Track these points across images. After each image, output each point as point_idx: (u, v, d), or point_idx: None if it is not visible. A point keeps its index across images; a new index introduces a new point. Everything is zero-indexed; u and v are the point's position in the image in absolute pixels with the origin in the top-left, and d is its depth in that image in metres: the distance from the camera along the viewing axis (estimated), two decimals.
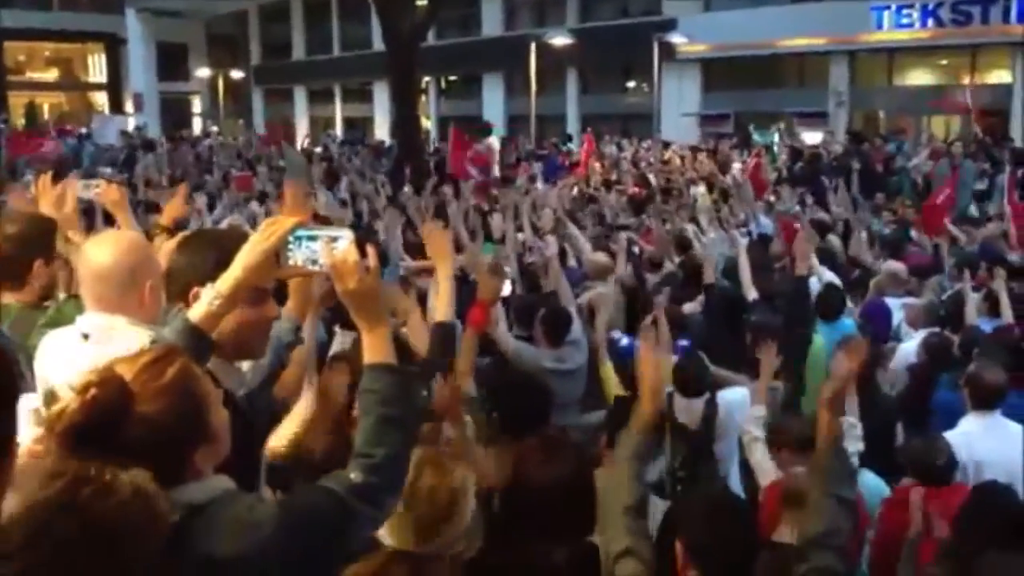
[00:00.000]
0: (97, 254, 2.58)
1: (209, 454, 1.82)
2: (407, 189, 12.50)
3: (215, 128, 32.17)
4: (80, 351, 2.36)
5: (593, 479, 2.92)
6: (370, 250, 2.08)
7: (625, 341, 5.73)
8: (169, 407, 1.72)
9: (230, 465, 1.92)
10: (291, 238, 2.10)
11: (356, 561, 2.21)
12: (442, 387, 3.04)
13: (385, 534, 2.23)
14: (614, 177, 14.53)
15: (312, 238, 2.09)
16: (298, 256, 2.11)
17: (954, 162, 14.06)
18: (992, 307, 6.27)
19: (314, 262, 2.09)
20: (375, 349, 2.08)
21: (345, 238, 2.07)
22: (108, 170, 15.86)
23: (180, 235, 3.39)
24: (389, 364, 2.07)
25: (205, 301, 2.12)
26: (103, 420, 1.65)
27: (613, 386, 5.07)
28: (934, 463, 4.06)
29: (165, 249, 3.10)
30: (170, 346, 1.92)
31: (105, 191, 3.93)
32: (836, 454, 2.81)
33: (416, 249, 7.16)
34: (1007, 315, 6.13)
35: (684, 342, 5.58)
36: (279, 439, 2.90)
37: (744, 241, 7.88)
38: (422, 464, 2.26)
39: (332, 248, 2.05)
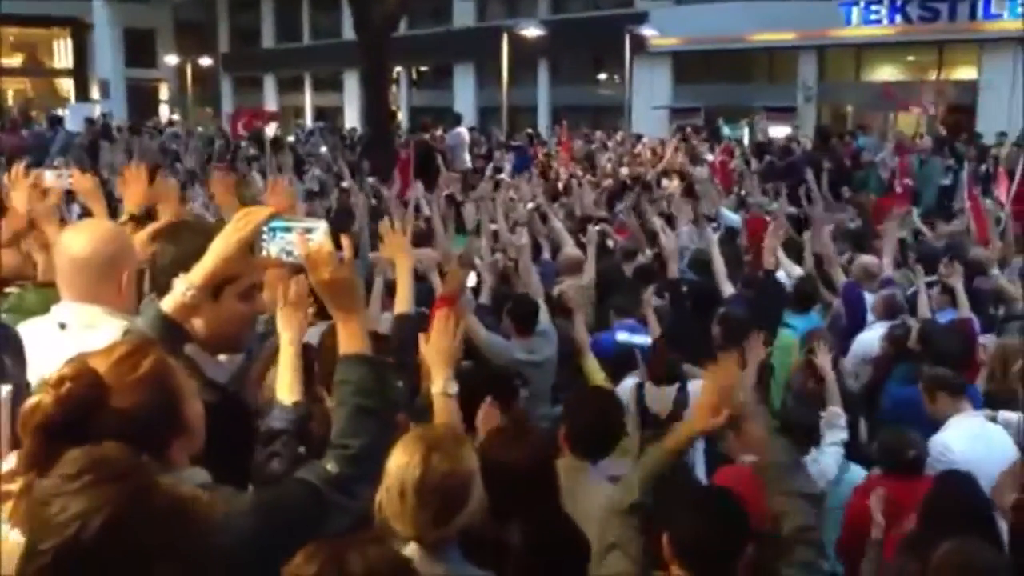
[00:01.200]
0: (76, 244, 2.56)
1: (184, 446, 1.82)
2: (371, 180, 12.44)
3: (176, 116, 31.79)
4: (58, 342, 2.34)
5: (553, 465, 2.95)
6: (345, 241, 2.09)
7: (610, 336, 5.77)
8: (144, 400, 1.72)
9: (223, 456, 1.92)
10: (265, 229, 2.09)
11: None
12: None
13: (397, 522, 2.21)
14: (580, 172, 14.51)
15: (287, 229, 2.09)
16: (272, 247, 2.10)
17: (922, 157, 14.25)
18: (952, 300, 6.37)
19: (288, 253, 2.09)
20: (350, 340, 2.09)
21: (320, 229, 2.07)
22: (60, 159, 15.59)
23: (154, 225, 3.37)
24: (364, 355, 2.08)
25: (178, 292, 2.11)
26: (78, 414, 1.65)
27: (600, 380, 5.09)
28: (905, 455, 4.12)
29: (138, 239, 3.08)
30: (145, 338, 1.92)
31: (77, 180, 3.89)
32: (777, 452, 2.77)
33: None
34: (964, 308, 6.23)
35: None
36: None
37: (715, 236, 7.93)
38: (429, 452, 2.23)
39: (307, 239, 2.05)
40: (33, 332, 2.50)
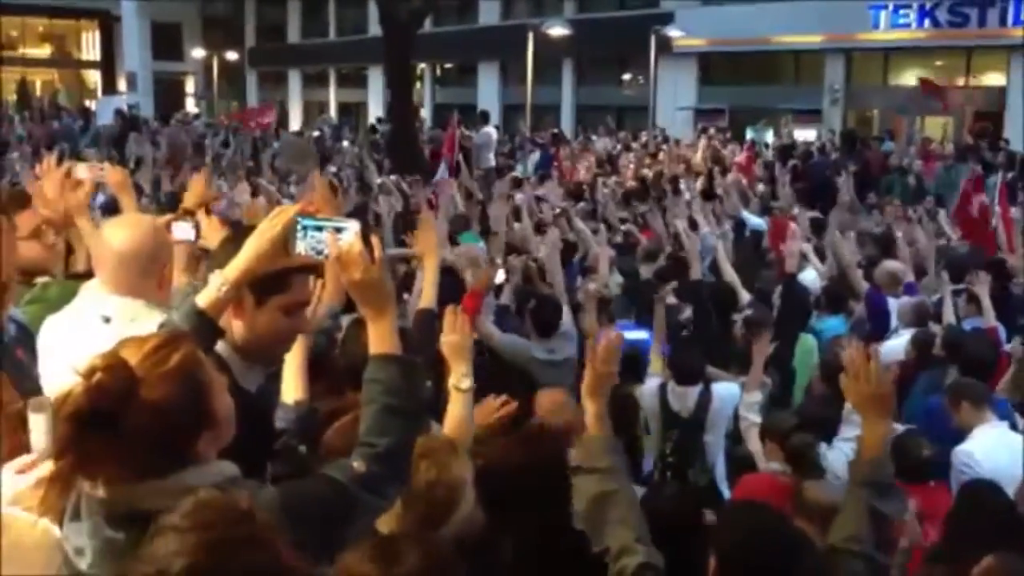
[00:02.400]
0: (119, 238, 2.61)
1: (212, 440, 1.83)
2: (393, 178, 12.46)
3: (197, 110, 31.95)
4: (103, 335, 2.36)
5: (564, 467, 2.93)
6: (375, 241, 2.10)
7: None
8: (173, 392, 1.73)
9: (240, 460, 1.92)
10: (297, 227, 2.10)
11: None
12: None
13: (386, 529, 2.21)
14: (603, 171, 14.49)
15: (318, 228, 2.10)
16: (303, 246, 2.11)
17: (946, 164, 14.12)
18: (977, 308, 6.33)
19: (319, 252, 2.10)
20: (380, 339, 2.10)
21: (350, 229, 2.08)
22: (91, 150, 15.74)
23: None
24: (394, 355, 2.09)
25: (213, 287, 2.12)
26: (108, 404, 1.66)
27: None
28: (919, 457, 4.09)
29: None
30: (176, 332, 1.93)
31: (109, 173, 3.91)
32: (877, 465, 2.65)
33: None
34: (989, 316, 6.18)
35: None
36: None
37: (720, 244, 7.82)
38: (419, 458, 2.23)
39: (337, 239, 2.06)
40: (78, 325, 2.53)
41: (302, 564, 1.57)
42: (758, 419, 4.46)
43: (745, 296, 6.54)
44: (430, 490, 2.23)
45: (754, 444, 4.41)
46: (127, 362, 1.71)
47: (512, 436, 3.01)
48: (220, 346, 2.24)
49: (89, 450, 1.66)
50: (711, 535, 2.58)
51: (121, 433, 1.67)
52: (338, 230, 2.08)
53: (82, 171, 3.64)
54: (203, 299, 2.13)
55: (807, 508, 3.34)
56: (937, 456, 4.20)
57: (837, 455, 4.33)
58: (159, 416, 1.70)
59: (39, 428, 1.90)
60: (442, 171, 13.08)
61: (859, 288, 6.86)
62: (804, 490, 3.62)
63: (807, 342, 5.87)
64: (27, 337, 2.64)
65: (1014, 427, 4.72)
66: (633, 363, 5.17)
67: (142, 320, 2.42)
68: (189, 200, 3.65)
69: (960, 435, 4.51)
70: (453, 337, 2.90)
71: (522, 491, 2.50)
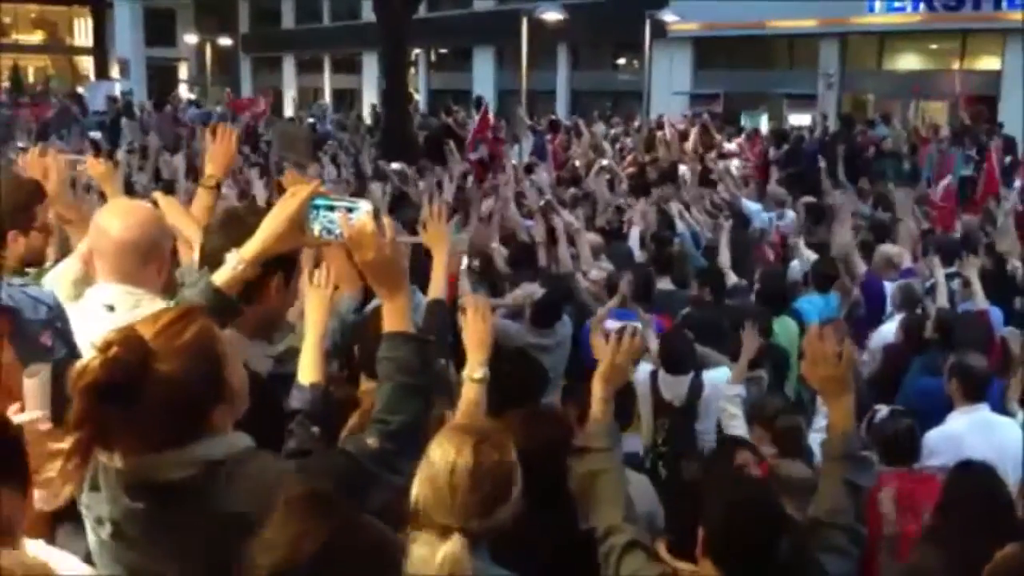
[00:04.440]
0: (118, 226, 2.60)
1: (227, 412, 1.86)
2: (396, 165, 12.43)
3: (192, 96, 31.82)
4: (109, 323, 2.38)
5: (565, 450, 2.96)
6: (386, 221, 2.13)
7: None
8: (188, 365, 1.76)
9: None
10: (310, 207, 2.12)
11: None
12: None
13: (441, 514, 2.20)
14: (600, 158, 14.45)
15: (330, 208, 2.13)
16: (316, 225, 2.14)
17: (941, 147, 14.12)
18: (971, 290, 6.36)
19: (330, 232, 2.12)
20: (394, 317, 2.13)
21: (362, 209, 2.11)
22: (98, 134, 15.69)
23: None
24: (408, 333, 2.12)
25: (230, 265, 2.17)
26: (124, 378, 1.70)
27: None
28: (899, 437, 4.11)
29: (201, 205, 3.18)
30: (190, 306, 1.96)
31: (90, 165, 3.89)
32: (847, 439, 2.70)
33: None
34: (980, 299, 6.21)
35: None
36: None
37: (727, 224, 7.92)
38: (480, 442, 2.24)
39: (349, 219, 2.08)
40: (83, 314, 2.54)
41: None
42: (738, 411, 4.48)
43: (733, 278, 6.61)
44: (494, 471, 2.23)
45: (732, 433, 4.44)
46: (142, 336, 1.75)
47: (514, 415, 3.02)
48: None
49: (106, 422, 1.70)
50: (700, 509, 2.60)
51: (137, 405, 1.71)
52: (350, 210, 2.10)
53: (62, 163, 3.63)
54: (220, 277, 2.18)
55: (782, 484, 3.39)
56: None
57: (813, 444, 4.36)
58: (175, 388, 1.74)
59: (32, 394, 1.95)
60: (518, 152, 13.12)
61: (857, 272, 6.87)
62: (778, 467, 3.68)
63: (790, 325, 5.88)
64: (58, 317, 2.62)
65: (1005, 412, 4.74)
66: None
67: (145, 308, 2.43)
68: (215, 167, 3.51)
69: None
70: (477, 327, 2.92)
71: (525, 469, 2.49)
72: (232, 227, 2.42)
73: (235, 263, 2.17)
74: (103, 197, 4.26)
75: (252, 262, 2.17)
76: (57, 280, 2.95)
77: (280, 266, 2.37)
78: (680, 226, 8.33)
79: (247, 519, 1.73)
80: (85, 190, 6.82)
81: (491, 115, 14.50)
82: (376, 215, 2.12)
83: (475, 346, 2.92)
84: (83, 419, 1.69)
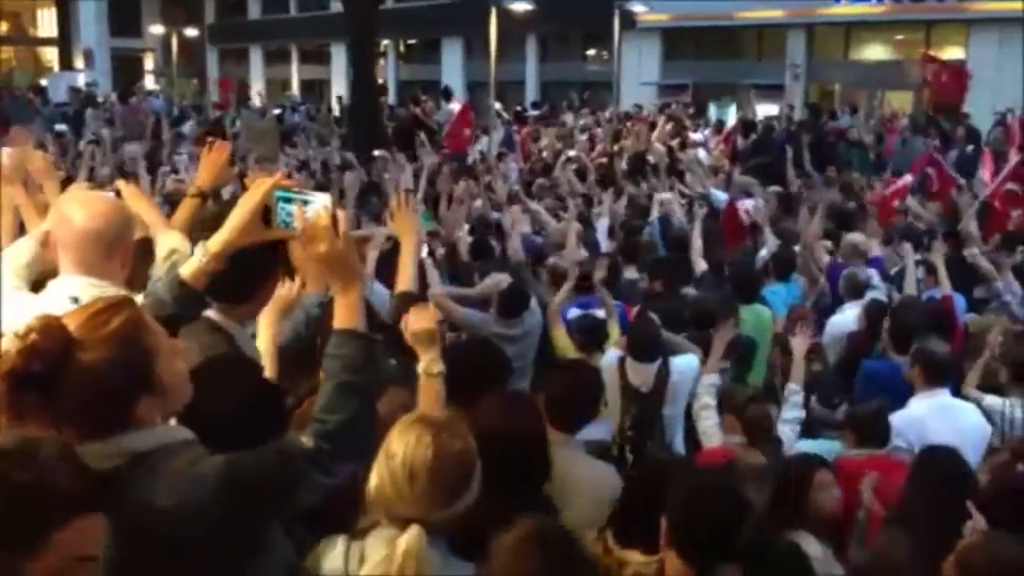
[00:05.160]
0: (84, 217, 2.57)
1: (155, 404, 1.84)
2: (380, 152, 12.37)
3: (157, 87, 31.47)
4: None
5: (546, 435, 2.97)
6: (340, 215, 2.10)
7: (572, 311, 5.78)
8: (111, 356, 1.75)
9: (242, 433, 1.96)
10: (274, 199, 2.12)
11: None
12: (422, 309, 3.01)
13: (400, 506, 2.19)
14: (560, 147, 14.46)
15: (287, 200, 2.11)
16: (276, 218, 2.13)
17: (903, 136, 14.25)
18: (936, 278, 6.42)
19: (287, 225, 2.11)
20: (345, 313, 2.10)
21: (318, 202, 2.09)
22: (63, 127, 15.48)
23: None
24: (356, 331, 2.09)
25: (196, 258, 2.17)
26: (41, 365, 1.69)
27: (569, 350, 5.14)
28: (871, 418, 4.17)
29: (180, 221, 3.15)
30: (121, 297, 1.93)
31: (29, 158, 3.81)
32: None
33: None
34: (945, 285, 6.28)
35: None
36: None
37: (702, 212, 7.99)
38: (439, 433, 2.23)
39: (304, 211, 2.07)
40: (48, 307, 2.51)
41: None
42: (712, 401, 4.52)
43: (701, 266, 6.66)
44: (455, 461, 2.21)
45: (705, 423, 4.48)
46: (63, 324, 1.74)
47: (490, 399, 3.02)
48: (218, 317, 2.32)
49: (23, 409, 1.69)
50: (668, 500, 2.60)
51: (55, 394, 1.69)
52: (305, 202, 2.09)
53: (4, 156, 3.57)
54: (186, 270, 2.17)
55: (744, 472, 3.43)
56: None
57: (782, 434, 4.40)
58: (93, 378, 1.73)
59: None
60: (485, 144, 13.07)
61: (820, 263, 6.93)
62: (740, 455, 3.72)
63: (765, 314, 5.93)
64: None
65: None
66: (595, 333, 5.23)
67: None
68: (203, 178, 3.42)
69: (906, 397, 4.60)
70: (418, 325, 2.87)
71: (496, 456, 2.48)
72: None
73: (201, 256, 2.16)
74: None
75: (217, 255, 2.15)
76: (10, 260, 2.92)
77: (280, 261, 2.40)
78: (654, 214, 8.37)
79: (167, 512, 1.73)
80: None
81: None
82: (332, 208, 2.09)
83: (423, 344, 2.86)
84: (1, 405, 1.68)
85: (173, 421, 2.04)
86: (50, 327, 1.72)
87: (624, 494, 3.03)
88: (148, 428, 1.81)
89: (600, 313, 5.58)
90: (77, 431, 1.74)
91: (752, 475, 3.39)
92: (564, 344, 5.23)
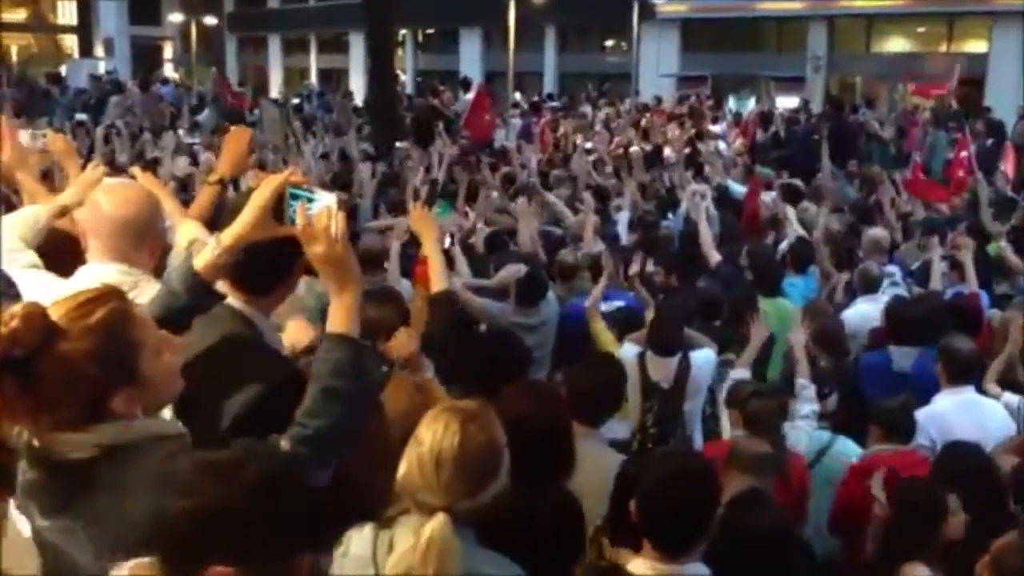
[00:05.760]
0: (116, 206, 2.59)
1: (135, 397, 1.82)
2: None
3: (176, 75, 31.56)
4: None
5: (571, 426, 2.96)
6: (339, 217, 2.07)
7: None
8: (91, 346, 1.74)
9: (268, 418, 1.96)
10: (286, 195, 2.11)
11: None
12: (402, 335, 3.04)
13: (426, 494, 2.19)
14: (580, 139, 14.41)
15: (294, 197, 2.10)
16: (287, 215, 2.11)
17: (925, 129, 14.14)
18: (960, 274, 6.36)
19: (294, 222, 2.10)
20: (339, 316, 2.09)
21: (321, 201, 2.07)
22: (84, 116, 15.57)
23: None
24: (347, 335, 2.07)
25: (209, 251, 2.15)
26: (19, 351, 1.69)
27: (609, 342, 5.09)
28: (897, 413, 4.14)
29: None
30: (109, 288, 1.91)
31: (51, 140, 3.88)
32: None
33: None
34: (972, 282, 6.21)
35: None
36: None
37: (704, 204, 7.89)
38: (467, 422, 2.23)
39: (307, 209, 2.05)
40: None
41: None
42: None
43: (715, 258, 6.64)
44: (482, 450, 2.21)
45: (726, 421, 4.46)
46: (45, 312, 1.74)
47: (516, 388, 3.01)
48: (244, 307, 2.30)
49: (1, 394, 1.69)
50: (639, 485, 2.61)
51: (32, 381, 1.69)
52: (309, 201, 2.07)
53: (26, 139, 3.62)
54: (199, 261, 2.16)
55: (738, 460, 3.41)
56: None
57: (797, 435, 4.34)
58: (69, 367, 1.72)
59: None
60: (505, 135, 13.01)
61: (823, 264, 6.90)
62: (736, 443, 3.70)
63: (785, 307, 5.88)
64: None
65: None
66: (633, 325, 5.18)
67: (144, 289, 2.43)
68: (223, 167, 3.49)
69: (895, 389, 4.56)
70: (402, 352, 2.97)
71: (520, 447, 2.47)
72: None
73: (213, 248, 2.15)
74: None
75: (228, 249, 2.13)
76: (22, 218, 2.95)
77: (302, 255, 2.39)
78: (683, 207, 8.32)
79: (138, 507, 1.69)
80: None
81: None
82: (334, 209, 2.08)
83: (411, 367, 2.97)
84: None
85: (168, 413, 2.04)
86: (32, 314, 1.72)
87: (612, 495, 3.00)
88: (126, 421, 1.80)
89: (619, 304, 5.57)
90: (54, 420, 1.74)
91: (751, 462, 3.39)
92: (607, 339, 5.12)
